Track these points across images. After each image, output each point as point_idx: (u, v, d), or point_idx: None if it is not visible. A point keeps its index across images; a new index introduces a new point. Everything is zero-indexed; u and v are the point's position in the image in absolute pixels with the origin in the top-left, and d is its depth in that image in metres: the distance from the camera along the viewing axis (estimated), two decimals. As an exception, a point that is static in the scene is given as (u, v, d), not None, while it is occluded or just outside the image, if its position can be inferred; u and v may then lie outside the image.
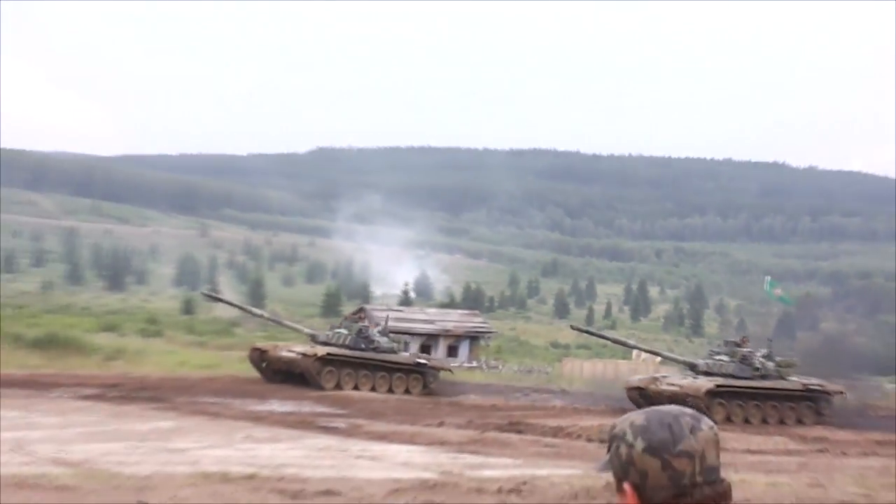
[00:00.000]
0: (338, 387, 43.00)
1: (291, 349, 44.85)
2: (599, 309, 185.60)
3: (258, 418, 30.24)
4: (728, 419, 39.41)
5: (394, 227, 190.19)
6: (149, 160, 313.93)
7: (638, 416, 2.69)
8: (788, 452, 28.81)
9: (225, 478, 16.67)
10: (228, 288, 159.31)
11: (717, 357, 43.18)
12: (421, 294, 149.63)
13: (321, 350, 44.05)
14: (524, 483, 17.66)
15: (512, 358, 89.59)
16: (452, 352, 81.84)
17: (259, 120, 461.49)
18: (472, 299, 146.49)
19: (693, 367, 43.47)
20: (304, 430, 27.14)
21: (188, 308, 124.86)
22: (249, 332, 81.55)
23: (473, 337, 79.54)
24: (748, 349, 43.34)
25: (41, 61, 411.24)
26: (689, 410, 2.76)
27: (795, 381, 42.96)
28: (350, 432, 27.38)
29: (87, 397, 33.78)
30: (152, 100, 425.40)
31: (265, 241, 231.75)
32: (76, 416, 27.21)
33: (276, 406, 35.13)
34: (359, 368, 44.45)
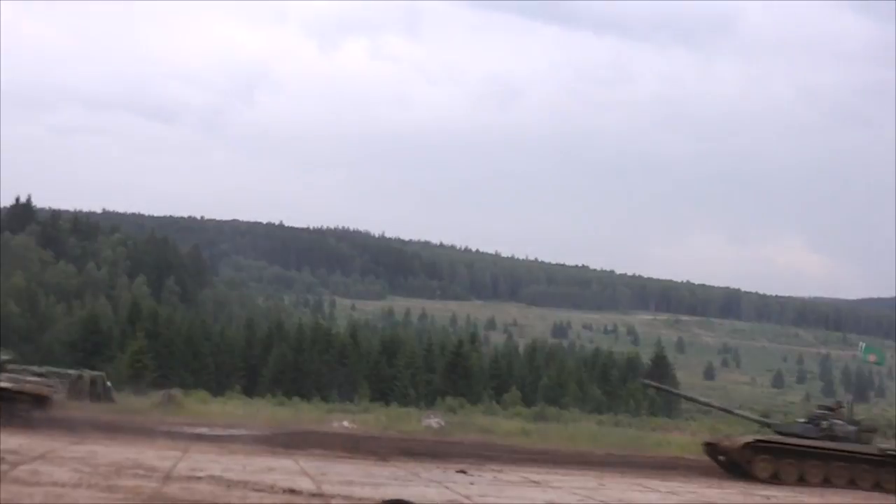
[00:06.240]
0: None
1: None
2: None
3: None
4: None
5: None
6: (885, 302, 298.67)
7: None
8: None
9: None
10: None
11: (798, 418, 33.48)
12: None
13: None
14: None
15: None
16: None
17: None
18: None
19: (768, 426, 33.49)
20: None
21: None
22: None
23: None
24: (822, 411, 32.20)
25: (802, 232, 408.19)
26: None
27: (874, 446, 31.12)
28: None
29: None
30: (889, 250, 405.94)
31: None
32: (834, 497, 26.06)
33: None
34: None
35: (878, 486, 30.34)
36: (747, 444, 30.55)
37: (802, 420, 33.49)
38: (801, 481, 29.96)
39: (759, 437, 31.49)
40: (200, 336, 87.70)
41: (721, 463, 31.94)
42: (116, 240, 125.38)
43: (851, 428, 31.83)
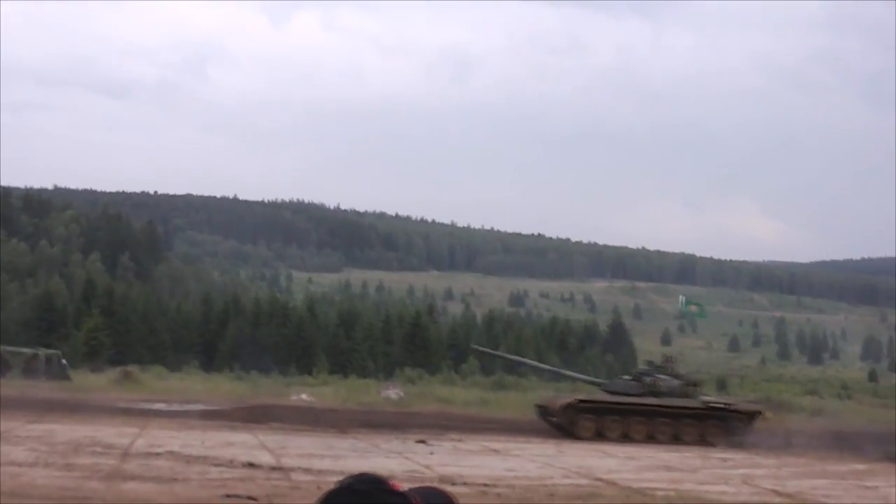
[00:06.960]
0: None
1: None
2: None
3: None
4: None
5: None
6: (838, 264, 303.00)
7: None
8: None
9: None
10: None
11: (623, 376, 34.03)
12: None
13: None
14: None
15: None
16: None
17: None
18: None
19: (599, 385, 34.05)
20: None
21: (872, 377, 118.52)
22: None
23: None
24: (646, 367, 33.40)
25: (755, 197, 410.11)
26: None
27: (697, 399, 31.47)
28: None
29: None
30: (841, 214, 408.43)
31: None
32: (789, 458, 26.51)
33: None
34: None
35: (702, 440, 30.34)
36: (569, 405, 30.72)
37: (626, 377, 33.82)
38: (627, 438, 29.84)
39: (579, 397, 31.66)
40: (156, 312, 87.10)
41: (553, 424, 31.72)
42: (69, 216, 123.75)
43: (676, 382, 31.96)
